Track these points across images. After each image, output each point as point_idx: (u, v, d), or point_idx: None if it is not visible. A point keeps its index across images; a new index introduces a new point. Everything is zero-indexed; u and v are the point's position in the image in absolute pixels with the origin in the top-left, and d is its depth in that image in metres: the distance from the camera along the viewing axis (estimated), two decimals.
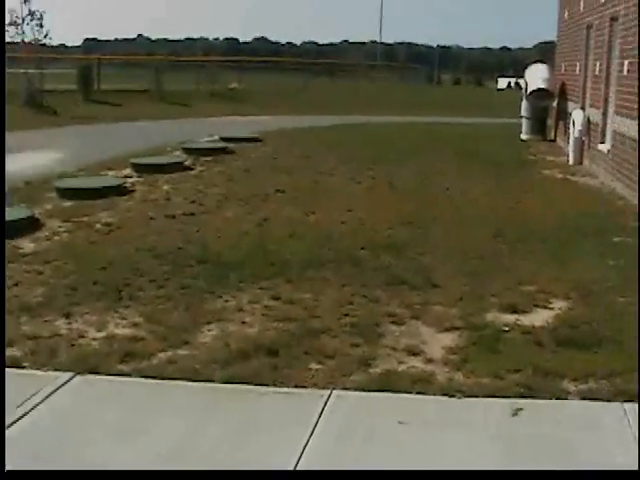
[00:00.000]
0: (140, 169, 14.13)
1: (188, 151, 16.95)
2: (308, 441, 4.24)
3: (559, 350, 5.66)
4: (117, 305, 6.49)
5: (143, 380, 5.07)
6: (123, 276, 7.22)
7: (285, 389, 4.95)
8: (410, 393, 4.88)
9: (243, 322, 6.18)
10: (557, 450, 4.20)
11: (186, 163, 15.34)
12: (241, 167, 15.16)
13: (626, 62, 13.28)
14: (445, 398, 4.83)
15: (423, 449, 4.21)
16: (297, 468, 3.97)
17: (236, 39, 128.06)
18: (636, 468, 3.97)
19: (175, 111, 29.98)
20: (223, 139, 19.35)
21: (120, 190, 11.89)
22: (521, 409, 4.65)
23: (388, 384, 4.98)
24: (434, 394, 4.88)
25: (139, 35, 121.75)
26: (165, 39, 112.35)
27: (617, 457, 4.13)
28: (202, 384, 5.01)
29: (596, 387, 5.01)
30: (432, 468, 3.98)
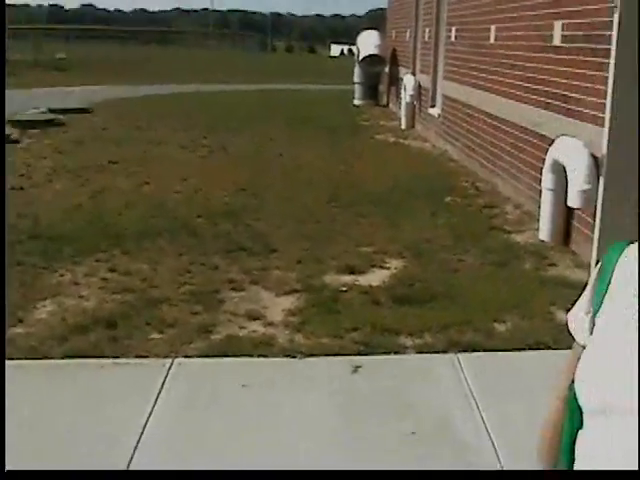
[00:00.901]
0: None
1: (14, 124, 16.23)
2: (152, 410, 4.20)
3: (396, 307, 5.83)
4: None
5: None
6: None
7: (126, 360, 4.87)
8: (252, 357, 4.92)
9: (80, 296, 6.02)
10: (396, 402, 4.34)
11: (12, 136, 14.69)
12: (72, 139, 14.69)
13: (454, 29, 13.70)
14: (287, 359, 4.89)
15: (267, 410, 4.24)
16: (142, 438, 3.92)
17: (61, 6, 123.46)
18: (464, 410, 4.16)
19: None
20: (51, 110, 18.64)
21: None
22: (360, 366, 4.77)
23: (230, 349, 5.00)
24: (276, 356, 4.93)
25: None
26: None
27: (453, 404, 4.32)
28: (40, 361, 4.86)
29: (431, 340, 5.20)
30: (276, 428, 4.04)
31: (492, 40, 11.02)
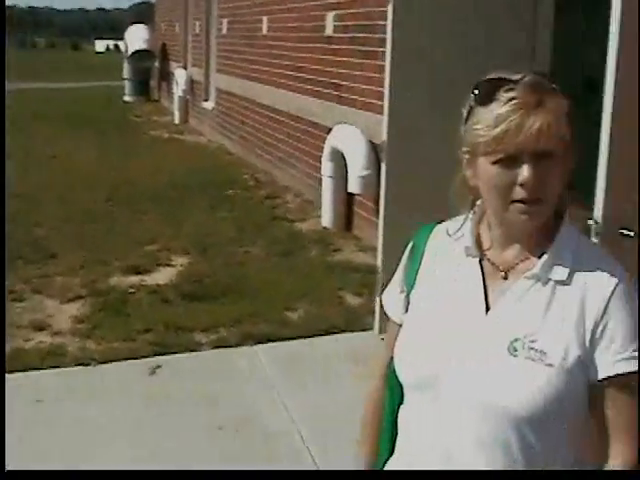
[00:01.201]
0: None
1: None
2: None
3: (186, 305, 5.76)
4: None
5: None
6: None
7: None
8: (42, 369, 4.68)
9: None
10: (198, 399, 4.28)
11: None
12: None
13: (225, 21, 13.67)
14: (80, 368, 4.70)
15: (65, 422, 4.06)
16: None
17: None
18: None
19: None
20: None
21: None
22: (159, 366, 4.67)
23: (17, 364, 4.72)
24: (68, 366, 4.72)
25: None
26: None
27: (255, 396, 4.31)
28: None
29: (226, 335, 5.18)
30: (76, 438, 3.87)
31: (264, 32, 11.10)
